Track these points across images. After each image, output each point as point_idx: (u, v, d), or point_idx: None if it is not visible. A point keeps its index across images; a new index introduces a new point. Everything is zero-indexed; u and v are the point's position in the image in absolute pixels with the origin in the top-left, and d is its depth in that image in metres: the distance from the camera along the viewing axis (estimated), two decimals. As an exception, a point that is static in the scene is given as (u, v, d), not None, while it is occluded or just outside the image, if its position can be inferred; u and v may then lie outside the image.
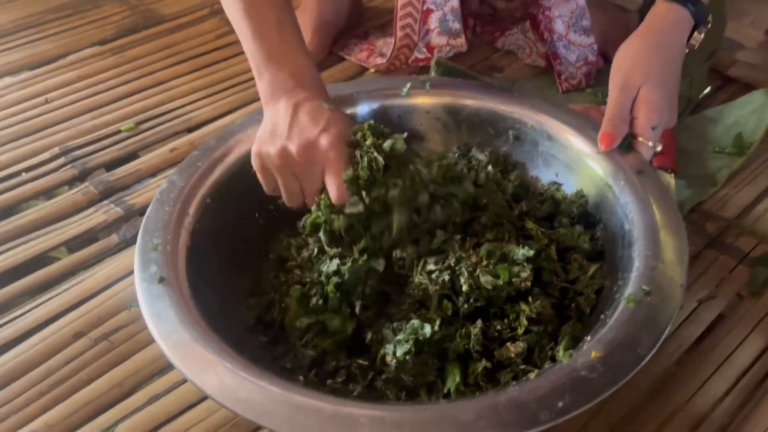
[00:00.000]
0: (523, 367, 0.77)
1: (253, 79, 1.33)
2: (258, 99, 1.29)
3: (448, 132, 1.05)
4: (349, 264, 0.83)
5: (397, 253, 0.85)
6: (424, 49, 1.32)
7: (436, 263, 0.84)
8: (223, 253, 0.91)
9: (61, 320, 0.96)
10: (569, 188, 0.95)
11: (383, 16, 1.54)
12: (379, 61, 1.35)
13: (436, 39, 1.31)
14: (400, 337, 0.79)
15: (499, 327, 0.80)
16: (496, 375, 0.78)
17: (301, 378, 0.81)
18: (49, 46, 1.51)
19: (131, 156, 1.23)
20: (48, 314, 0.97)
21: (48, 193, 1.17)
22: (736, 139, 1.12)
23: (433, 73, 1.17)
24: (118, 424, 0.84)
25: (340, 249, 0.86)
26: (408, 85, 1.04)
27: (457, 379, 0.77)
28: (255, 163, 0.91)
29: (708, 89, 1.24)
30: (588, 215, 0.92)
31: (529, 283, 0.80)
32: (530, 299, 0.80)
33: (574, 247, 0.87)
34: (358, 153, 0.85)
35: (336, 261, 0.84)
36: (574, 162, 0.95)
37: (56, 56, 1.48)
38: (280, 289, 0.89)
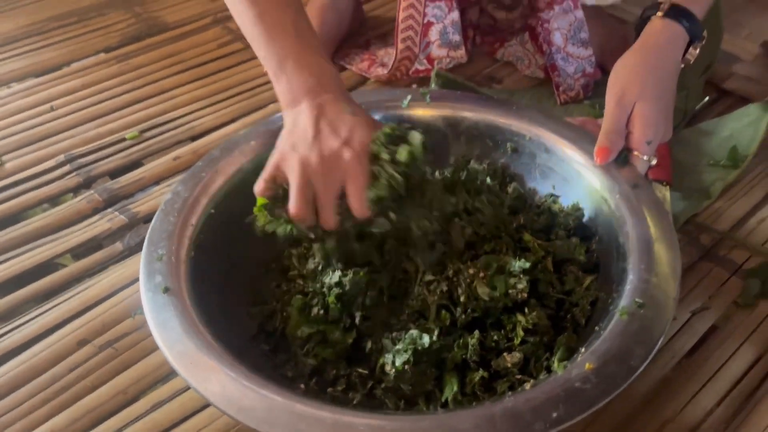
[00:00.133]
0: (519, 377, 0.79)
1: (255, 88, 1.40)
2: (261, 107, 1.35)
3: (447, 144, 1.06)
4: (350, 276, 0.85)
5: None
6: (425, 61, 1.34)
7: (434, 274, 0.86)
8: (225, 263, 0.92)
9: (65, 328, 0.97)
10: (566, 200, 0.97)
11: (384, 26, 1.55)
12: (381, 71, 1.37)
13: (437, 51, 1.33)
14: (399, 346, 0.80)
15: (496, 337, 0.82)
16: (493, 384, 0.80)
17: (302, 386, 0.83)
18: (53, 54, 1.53)
19: (135, 164, 1.25)
20: (53, 322, 0.98)
21: (53, 200, 1.18)
22: (731, 152, 1.13)
23: (433, 85, 1.19)
24: (122, 431, 0.85)
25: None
26: (408, 97, 1.06)
27: (455, 388, 0.78)
28: (270, 171, 0.88)
29: (705, 100, 1.26)
30: (584, 227, 0.94)
31: (525, 295, 0.82)
32: (527, 310, 0.82)
33: (570, 259, 0.89)
34: (376, 168, 0.85)
35: (338, 273, 0.86)
36: (571, 175, 0.97)
37: (61, 64, 1.50)
38: (281, 298, 0.91)
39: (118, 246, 1.09)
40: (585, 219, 0.94)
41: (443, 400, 0.79)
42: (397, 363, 0.79)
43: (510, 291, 0.82)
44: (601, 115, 0.97)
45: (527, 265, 0.83)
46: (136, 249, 1.08)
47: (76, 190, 1.20)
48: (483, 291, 0.82)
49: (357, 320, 0.85)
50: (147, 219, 1.13)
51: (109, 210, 1.15)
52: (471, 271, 0.84)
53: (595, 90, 1.30)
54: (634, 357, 0.71)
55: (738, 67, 1.37)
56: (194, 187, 0.95)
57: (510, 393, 0.72)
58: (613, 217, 0.89)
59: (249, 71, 1.45)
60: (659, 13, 0.99)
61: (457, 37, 1.32)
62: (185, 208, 0.93)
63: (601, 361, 0.71)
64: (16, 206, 1.17)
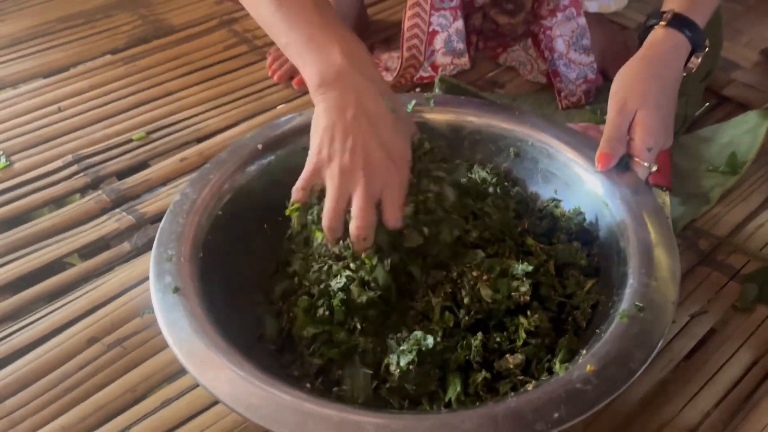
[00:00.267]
0: (521, 378, 0.80)
1: (261, 91, 1.42)
2: (268, 110, 1.36)
3: (450, 148, 1.08)
4: (357, 281, 0.86)
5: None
6: (429, 68, 1.36)
7: (439, 277, 0.87)
8: (233, 264, 0.94)
9: (75, 326, 0.99)
10: (568, 205, 0.99)
11: (388, 30, 1.57)
12: (384, 74, 1.39)
13: (441, 59, 1.35)
14: (403, 347, 0.82)
15: (498, 339, 0.84)
16: (496, 385, 0.81)
17: (308, 385, 0.84)
18: (61, 55, 1.54)
19: (142, 165, 1.26)
20: (62, 320, 1.00)
21: (61, 200, 1.20)
22: (730, 158, 1.15)
23: (437, 90, 1.20)
24: (131, 428, 0.87)
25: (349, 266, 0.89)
26: (413, 102, 1.07)
27: (458, 388, 0.80)
28: (307, 178, 0.85)
29: (705, 107, 1.27)
30: (585, 232, 0.95)
31: (527, 297, 0.84)
32: (529, 313, 0.84)
33: (572, 263, 0.91)
34: (420, 181, 0.86)
35: (344, 279, 0.87)
36: (573, 180, 0.98)
37: (68, 65, 1.51)
38: (288, 299, 0.92)
39: (126, 246, 1.11)
40: (586, 223, 0.96)
41: (446, 400, 0.80)
42: (402, 363, 0.80)
43: (513, 294, 0.84)
44: (603, 121, 0.99)
45: (530, 268, 0.85)
46: (143, 249, 1.10)
47: (83, 190, 1.22)
48: (486, 293, 0.84)
49: (359, 326, 0.86)
50: (154, 219, 1.15)
51: (117, 210, 1.17)
52: (474, 273, 0.85)
53: (596, 96, 1.32)
54: (634, 359, 0.73)
55: (737, 74, 1.39)
56: (202, 188, 0.97)
57: (512, 394, 0.73)
58: (614, 222, 0.90)
59: (255, 74, 1.47)
60: (662, 23, 1.01)
61: (461, 45, 1.34)
62: (193, 210, 0.94)
63: (602, 363, 0.73)
64: (25, 206, 1.19)
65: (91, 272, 1.07)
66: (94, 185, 1.22)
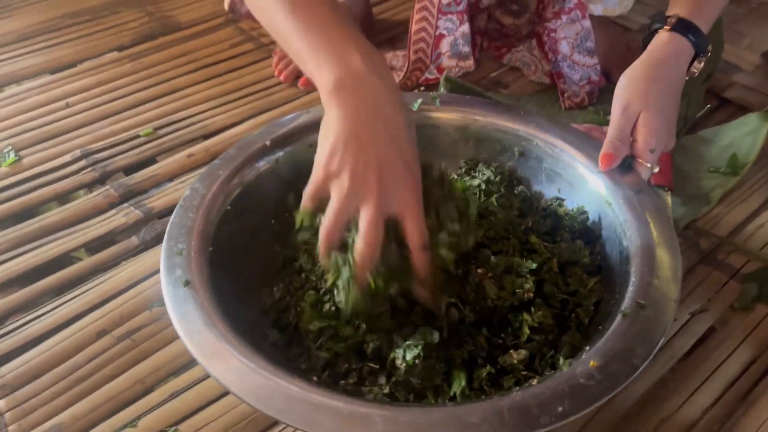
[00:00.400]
0: (524, 373, 0.82)
1: (267, 89, 1.43)
2: (273, 108, 1.38)
3: (455, 147, 1.10)
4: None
5: None
6: (435, 71, 1.38)
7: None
8: (241, 258, 0.95)
9: (84, 319, 1.00)
10: (571, 204, 1.01)
11: (393, 29, 1.59)
12: (390, 75, 1.40)
13: (447, 62, 1.37)
14: (409, 342, 0.83)
15: (502, 335, 0.85)
16: (500, 380, 0.83)
17: (315, 378, 0.85)
18: (67, 51, 1.56)
19: (149, 160, 1.28)
20: (71, 313, 1.01)
21: (69, 195, 1.21)
22: (731, 159, 1.17)
23: (442, 89, 1.22)
24: (140, 419, 0.88)
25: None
26: (419, 100, 1.09)
27: (463, 383, 0.81)
28: (315, 188, 0.81)
29: (706, 109, 1.29)
30: (588, 231, 0.97)
31: (531, 294, 0.85)
32: (533, 309, 0.85)
33: (575, 261, 0.92)
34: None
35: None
36: (577, 179, 1.00)
37: (75, 61, 1.53)
38: (296, 293, 0.93)
39: (134, 240, 1.12)
40: (589, 222, 0.97)
41: (451, 394, 0.82)
42: (408, 357, 0.82)
43: (517, 290, 0.85)
44: (606, 122, 1.00)
45: (534, 265, 0.87)
46: (151, 243, 1.11)
47: (91, 185, 1.23)
48: (491, 290, 0.85)
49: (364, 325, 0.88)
50: (162, 214, 1.16)
51: (125, 205, 1.18)
52: (480, 271, 0.87)
53: (599, 97, 1.33)
54: (637, 356, 0.74)
55: (738, 76, 1.41)
56: (212, 184, 0.98)
57: (517, 388, 0.75)
58: (616, 222, 0.92)
59: (261, 71, 1.48)
60: (666, 27, 1.02)
61: (466, 48, 1.36)
62: (203, 205, 0.95)
63: (605, 359, 0.74)
64: (33, 200, 1.20)
65: (98, 266, 1.08)
66: (101, 180, 1.24)
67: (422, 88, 1.37)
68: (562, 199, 1.02)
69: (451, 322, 0.86)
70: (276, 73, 1.46)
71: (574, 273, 0.91)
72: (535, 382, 0.75)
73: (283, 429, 0.87)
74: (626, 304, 0.80)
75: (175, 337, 0.82)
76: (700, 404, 0.88)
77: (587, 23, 1.30)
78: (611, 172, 0.96)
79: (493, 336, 0.85)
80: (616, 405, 0.87)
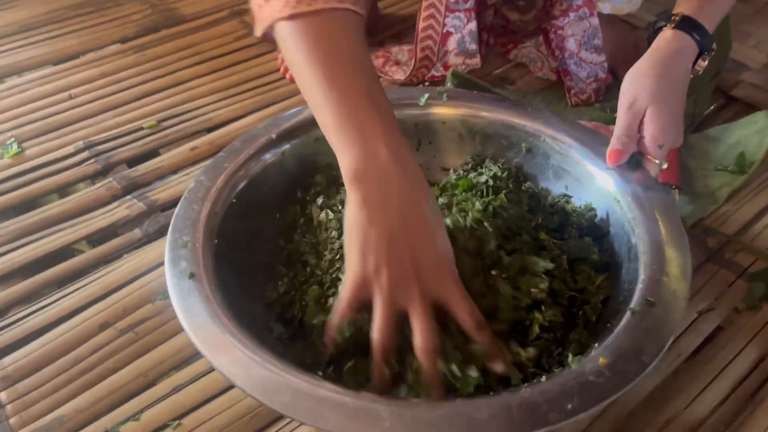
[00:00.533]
0: (532, 370, 0.81)
1: (271, 83, 1.43)
2: (277, 102, 1.38)
3: (462, 142, 1.09)
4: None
5: None
6: (441, 68, 1.37)
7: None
8: (246, 251, 0.95)
9: (87, 311, 0.99)
10: (579, 201, 1.00)
11: (398, 25, 1.58)
12: (395, 69, 1.40)
13: (453, 59, 1.36)
14: None
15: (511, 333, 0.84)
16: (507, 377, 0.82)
17: (319, 373, 0.84)
18: (71, 42, 1.55)
19: (153, 153, 1.27)
20: (74, 305, 1.00)
21: (71, 187, 1.21)
22: (738, 158, 1.16)
23: (449, 84, 1.21)
24: (143, 412, 0.88)
25: None
26: (426, 95, 1.08)
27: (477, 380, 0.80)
28: (352, 294, 0.77)
29: (713, 107, 1.28)
30: (595, 228, 0.96)
31: (545, 294, 0.85)
32: (543, 308, 0.84)
33: (584, 258, 0.91)
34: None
35: None
36: (584, 176, 0.99)
37: (78, 53, 1.52)
38: (300, 287, 0.93)
39: (137, 233, 1.12)
40: (597, 219, 0.96)
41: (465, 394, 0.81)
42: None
43: (532, 290, 0.84)
44: (612, 119, 1.00)
45: (551, 266, 0.86)
46: (154, 236, 1.11)
47: (94, 177, 1.22)
48: (506, 293, 0.84)
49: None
50: (165, 207, 1.16)
51: (128, 197, 1.18)
52: (493, 272, 0.86)
53: (606, 94, 1.33)
54: (646, 353, 0.74)
55: (746, 75, 1.40)
56: (217, 176, 0.97)
57: (525, 385, 0.74)
58: (625, 219, 0.91)
59: (265, 65, 1.47)
60: (671, 25, 1.02)
61: (473, 46, 1.35)
62: (208, 197, 0.94)
63: (614, 356, 0.73)
64: (36, 192, 1.19)
65: (100, 259, 1.08)
66: (104, 172, 1.23)
67: (427, 84, 1.36)
68: (570, 196, 1.01)
69: None
70: (282, 71, 1.45)
71: (582, 270, 0.90)
72: (544, 379, 0.74)
73: (288, 423, 0.86)
74: (635, 301, 0.79)
75: (179, 330, 0.81)
76: (707, 404, 0.88)
77: (595, 21, 1.29)
78: (619, 169, 0.95)
79: (502, 334, 0.84)
80: (622, 404, 0.87)
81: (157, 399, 0.89)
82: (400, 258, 0.75)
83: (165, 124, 1.33)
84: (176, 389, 0.90)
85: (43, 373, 0.92)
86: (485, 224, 0.87)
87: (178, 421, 0.87)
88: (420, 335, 0.74)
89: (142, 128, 1.32)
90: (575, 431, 0.85)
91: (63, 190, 1.20)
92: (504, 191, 0.96)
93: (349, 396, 0.72)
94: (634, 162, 0.95)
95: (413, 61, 1.34)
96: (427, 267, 0.76)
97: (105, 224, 1.13)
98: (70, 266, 1.07)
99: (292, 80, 1.42)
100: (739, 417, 0.86)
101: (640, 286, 0.81)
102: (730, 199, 1.14)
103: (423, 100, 1.08)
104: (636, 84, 0.99)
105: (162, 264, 0.87)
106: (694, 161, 1.18)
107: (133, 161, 1.25)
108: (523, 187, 1.02)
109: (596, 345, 0.76)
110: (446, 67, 1.37)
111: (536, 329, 0.83)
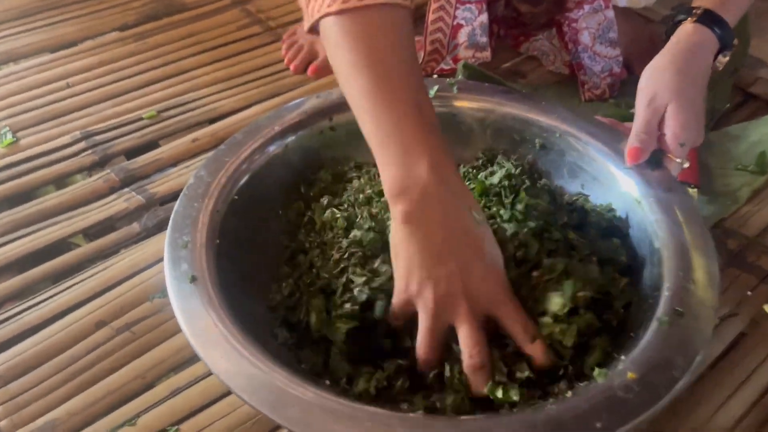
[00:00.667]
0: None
1: (275, 73, 1.39)
2: (281, 93, 1.34)
3: (473, 136, 1.05)
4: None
5: None
6: (450, 61, 1.33)
7: None
8: (248, 249, 0.90)
9: (82, 309, 0.95)
10: (596, 201, 0.95)
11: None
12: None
13: (464, 52, 1.32)
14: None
15: None
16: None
17: (327, 382, 0.80)
18: (69, 29, 1.50)
19: (152, 144, 1.23)
20: (69, 302, 0.96)
21: (67, 178, 1.17)
22: (759, 157, 1.12)
23: (460, 76, 1.17)
24: (139, 417, 0.84)
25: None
26: (435, 87, 1.04)
27: (515, 397, 0.76)
28: (399, 308, 0.77)
29: (728, 106, 1.25)
30: (615, 229, 0.91)
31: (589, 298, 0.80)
32: (580, 312, 0.79)
33: (609, 259, 0.87)
34: None
35: (367, 291, 0.83)
36: (602, 174, 0.95)
37: (76, 40, 1.48)
38: (306, 290, 0.88)
39: (135, 227, 1.08)
40: (617, 221, 0.92)
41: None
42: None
43: (579, 294, 0.79)
44: (628, 115, 0.97)
45: (595, 271, 0.82)
46: (153, 231, 1.07)
47: (91, 168, 1.18)
48: (554, 295, 0.79)
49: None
50: (164, 200, 1.12)
51: (126, 190, 1.14)
52: (535, 274, 0.80)
53: (620, 89, 1.29)
54: (676, 367, 0.69)
55: (764, 72, 1.36)
56: (217, 171, 0.93)
57: (551, 400, 0.70)
58: (646, 221, 0.87)
59: (269, 55, 1.43)
60: (691, 18, 0.98)
61: (484, 39, 1.31)
62: (208, 194, 0.90)
63: (643, 370, 0.69)
64: (31, 183, 1.15)
65: (97, 253, 1.04)
66: (102, 163, 1.19)
67: (435, 76, 1.32)
68: (587, 196, 0.96)
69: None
70: (285, 62, 1.40)
71: (606, 272, 0.85)
72: (569, 394, 0.70)
73: (290, 431, 0.82)
74: (662, 310, 0.75)
75: (178, 329, 0.77)
76: (732, 414, 0.84)
77: (610, 13, 1.25)
78: (639, 168, 0.92)
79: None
80: (643, 414, 0.83)
81: (154, 402, 0.85)
82: (445, 274, 0.73)
83: (165, 114, 1.29)
84: (175, 392, 0.86)
85: (35, 373, 0.88)
86: (522, 228, 0.84)
87: (176, 427, 0.83)
88: (467, 353, 0.73)
89: (141, 118, 1.27)
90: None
91: (59, 182, 1.16)
92: (523, 187, 0.92)
93: (364, 411, 0.68)
94: (653, 161, 0.92)
95: (422, 54, 1.30)
96: (475, 281, 0.74)
97: (102, 217, 1.09)
98: (65, 261, 1.03)
99: (296, 71, 1.38)
100: (766, 426, 0.83)
101: (666, 294, 0.77)
102: (751, 199, 1.10)
103: (433, 92, 1.04)
104: (656, 79, 0.95)
105: (161, 260, 0.83)
106: (713, 159, 1.14)
107: (131, 152, 1.21)
108: (538, 184, 0.98)
109: (622, 357, 0.72)
110: (456, 60, 1.33)
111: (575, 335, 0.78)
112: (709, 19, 0.98)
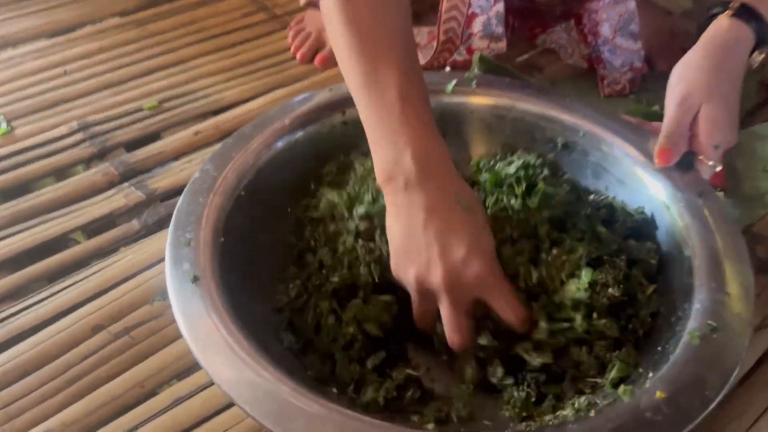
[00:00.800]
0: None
1: (281, 63, 1.33)
2: (288, 84, 1.29)
3: (491, 134, 1.00)
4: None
5: None
6: (464, 52, 1.28)
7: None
8: (254, 248, 0.87)
9: (79, 311, 0.91)
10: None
11: (417, 3, 1.47)
12: (416, 55, 1.31)
13: (478, 42, 1.27)
14: None
15: None
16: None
17: (334, 390, 0.77)
18: (67, 14, 1.45)
19: (153, 136, 1.18)
20: (66, 303, 0.92)
21: (65, 171, 1.12)
22: (788, 159, 1.08)
23: (476, 70, 1.12)
24: (138, 428, 0.79)
25: None
26: (453, 81, 1.00)
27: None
28: (413, 285, 0.78)
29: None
30: (641, 233, 0.87)
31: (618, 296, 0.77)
32: (595, 314, 0.76)
33: (639, 261, 0.83)
34: None
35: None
36: (628, 177, 0.91)
37: (74, 25, 1.43)
38: (315, 292, 0.84)
39: (135, 224, 1.03)
40: (644, 225, 0.87)
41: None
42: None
43: (609, 290, 0.76)
44: (651, 113, 0.92)
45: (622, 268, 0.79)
46: (153, 228, 1.02)
47: (89, 161, 1.14)
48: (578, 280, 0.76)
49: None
50: (165, 196, 1.07)
51: (125, 184, 1.09)
52: (555, 250, 0.79)
53: (641, 85, 1.24)
54: (709, 387, 0.65)
55: (789, 68, 1.32)
56: (224, 166, 0.89)
57: (573, 420, 0.66)
58: (676, 227, 0.82)
59: (275, 44, 1.38)
60: (728, 12, 0.93)
61: (499, 29, 1.26)
62: (214, 190, 0.87)
63: (673, 389, 0.65)
64: (26, 175, 1.11)
65: (96, 251, 0.99)
66: (100, 156, 1.14)
67: (448, 70, 1.27)
68: (613, 197, 0.92)
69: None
70: (292, 51, 1.35)
71: (634, 275, 0.81)
72: (592, 413, 0.66)
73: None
74: (694, 324, 0.71)
75: (179, 335, 0.73)
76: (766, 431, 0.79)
77: (632, 4, 1.20)
78: (668, 171, 0.87)
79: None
80: None
81: (154, 413, 0.81)
82: (425, 260, 0.75)
83: (167, 105, 1.24)
84: (176, 402, 0.82)
85: (28, 380, 0.84)
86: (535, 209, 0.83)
87: (177, 439, 0.79)
88: (448, 337, 0.76)
89: (141, 109, 1.23)
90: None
91: (56, 174, 1.11)
92: (541, 176, 0.88)
93: (373, 425, 0.64)
94: (685, 164, 0.87)
95: (435, 44, 1.25)
96: (457, 266, 0.74)
97: (100, 214, 1.04)
98: (62, 259, 0.98)
99: (303, 60, 1.33)
100: (799, 451, 0.78)
101: (697, 305, 0.73)
102: (780, 203, 1.05)
103: (450, 87, 0.99)
104: (688, 77, 0.91)
105: (162, 260, 0.80)
106: (740, 160, 1.09)
107: (131, 145, 1.16)
108: (559, 177, 0.93)
109: (650, 374, 0.68)
110: (469, 50, 1.28)
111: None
112: (746, 13, 0.93)
